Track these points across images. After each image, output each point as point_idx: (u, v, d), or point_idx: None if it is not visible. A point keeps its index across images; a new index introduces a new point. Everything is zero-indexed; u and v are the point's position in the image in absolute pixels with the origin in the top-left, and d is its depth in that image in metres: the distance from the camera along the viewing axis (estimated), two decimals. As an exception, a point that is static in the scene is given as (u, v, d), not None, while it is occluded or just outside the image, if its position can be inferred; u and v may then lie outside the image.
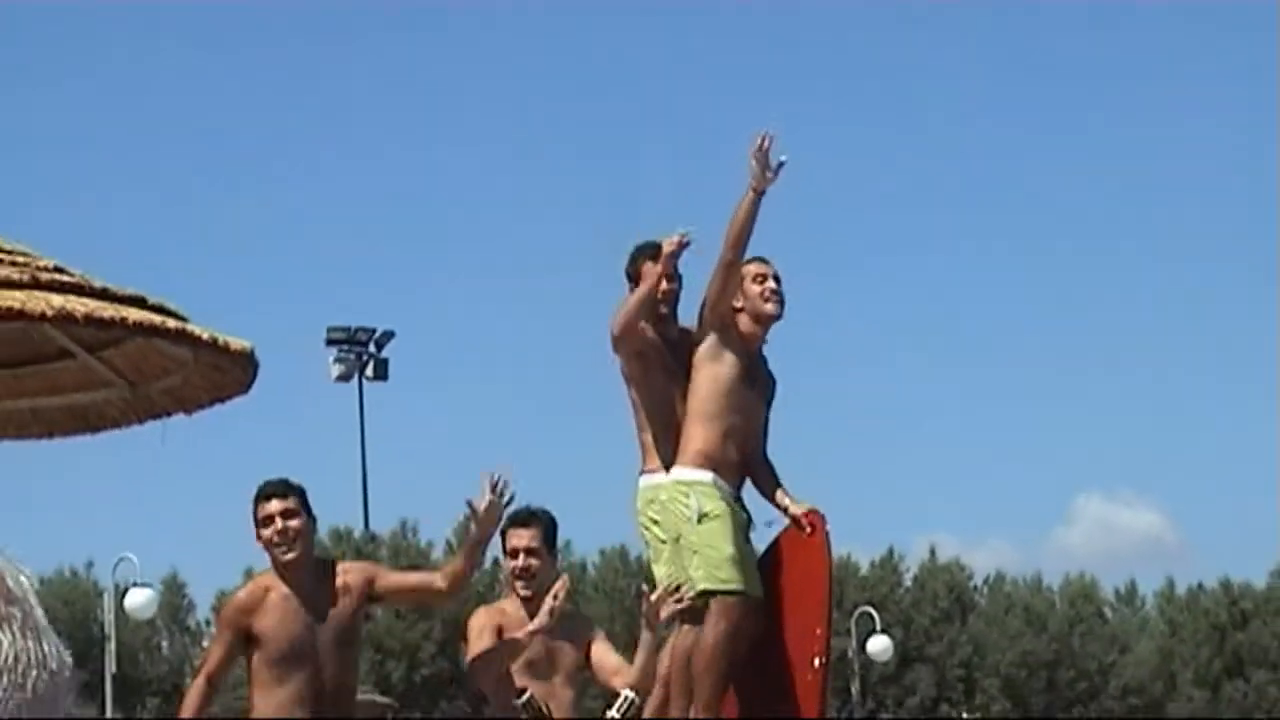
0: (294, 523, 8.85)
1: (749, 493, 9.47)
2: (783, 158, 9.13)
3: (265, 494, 8.95)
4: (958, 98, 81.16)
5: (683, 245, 9.28)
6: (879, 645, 48.58)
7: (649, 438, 9.39)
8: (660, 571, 9.33)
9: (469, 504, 8.81)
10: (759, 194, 9.13)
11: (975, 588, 67.33)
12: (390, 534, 57.08)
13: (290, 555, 8.83)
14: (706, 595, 9.03)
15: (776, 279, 9.48)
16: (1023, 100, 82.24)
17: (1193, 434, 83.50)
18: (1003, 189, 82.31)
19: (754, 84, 75.91)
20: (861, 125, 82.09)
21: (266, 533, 8.86)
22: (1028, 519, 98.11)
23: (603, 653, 9.41)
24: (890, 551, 65.31)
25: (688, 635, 9.14)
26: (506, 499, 8.82)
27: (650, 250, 9.50)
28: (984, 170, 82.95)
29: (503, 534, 9.46)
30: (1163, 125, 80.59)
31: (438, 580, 9.18)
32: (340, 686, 8.93)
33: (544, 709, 8.86)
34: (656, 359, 9.41)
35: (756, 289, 9.43)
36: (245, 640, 8.78)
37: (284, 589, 8.80)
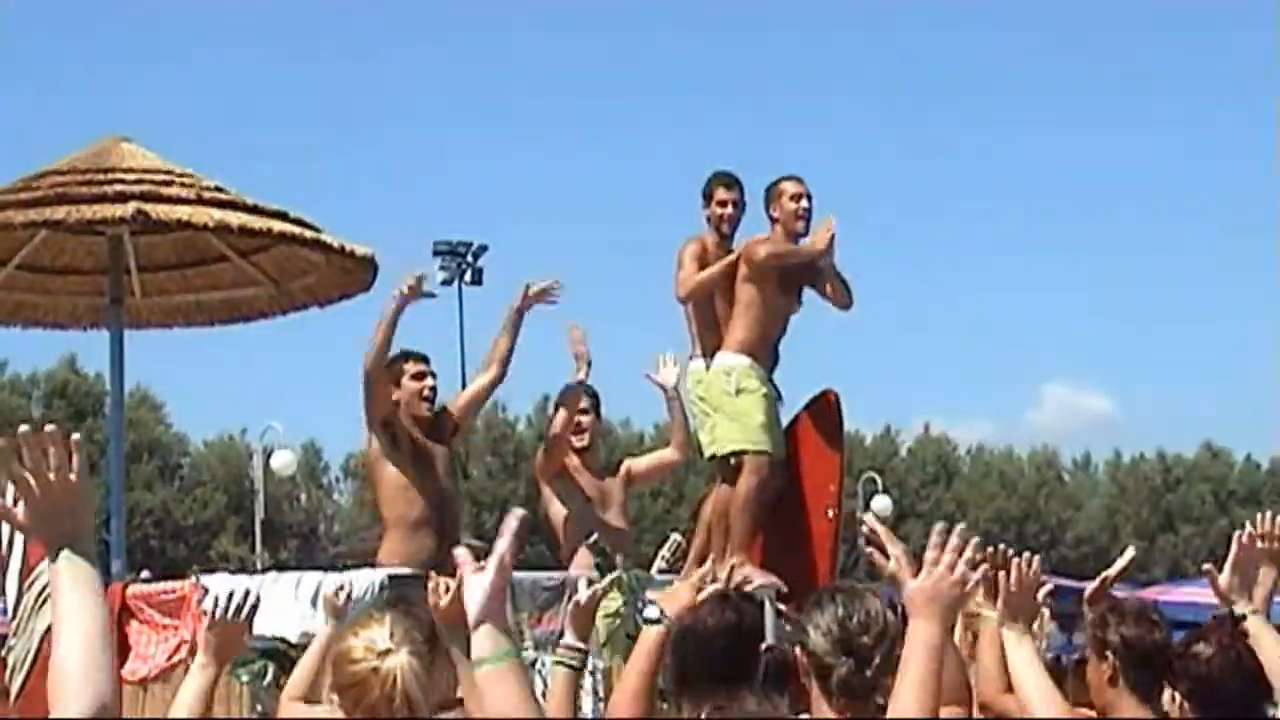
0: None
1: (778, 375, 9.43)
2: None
3: (423, 357, 9.01)
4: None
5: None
6: (880, 504, 48.54)
7: (696, 330, 9.32)
8: (704, 439, 9.29)
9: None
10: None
11: (959, 457, 67.48)
12: (483, 410, 57.25)
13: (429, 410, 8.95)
14: (740, 454, 8.99)
15: (809, 198, 9.35)
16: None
17: (1140, 333, 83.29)
18: (1003, 86, 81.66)
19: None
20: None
21: (418, 386, 8.88)
22: (1005, 402, 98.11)
23: (642, 462, 9.73)
24: (888, 428, 65.52)
25: (726, 490, 9.10)
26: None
27: (723, 177, 9.40)
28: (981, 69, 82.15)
29: (564, 401, 9.45)
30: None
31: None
32: None
33: (607, 548, 8.86)
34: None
35: (792, 207, 9.26)
36: None
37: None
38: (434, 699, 4.28)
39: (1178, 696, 4.79)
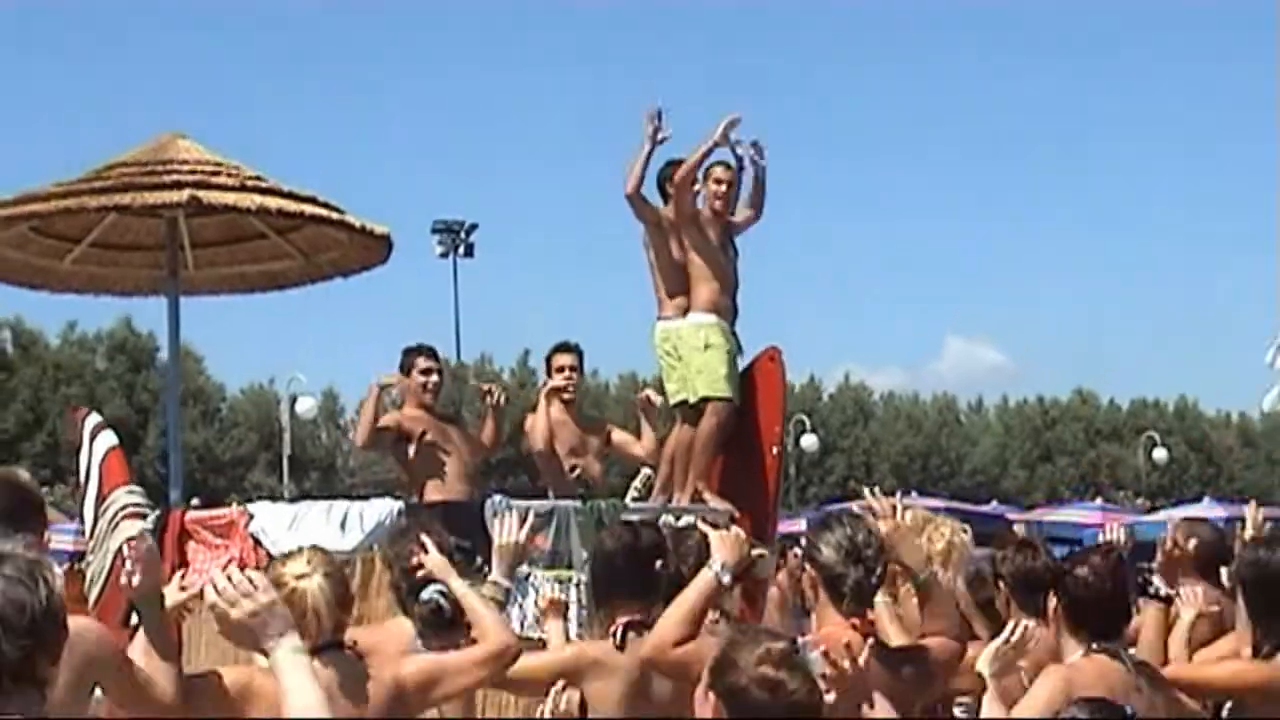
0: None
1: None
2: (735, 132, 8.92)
3: (432, 354, 9.18)
4: None
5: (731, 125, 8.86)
6: (808, 441, 48.84)
7: (663, 293, 9.21)
8: (670, 387, 9.26)
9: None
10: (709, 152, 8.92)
11: (874, 402, 67.73)
12: (474, 362, 57.13)
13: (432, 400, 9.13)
14: (706, 400, 8.98)
15: (729, 185, 9.08)
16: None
17: (1029, 293, 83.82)
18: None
19: None
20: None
21: (424, 380, 9.04)
22: (912, 354, 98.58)
23: (622, 437, 9.47)
24: (813, 376, 65.75)
25: (686, 430, 9.10)
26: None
27: (673, 164, 9.18)
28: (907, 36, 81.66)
29: (548, 360, 9.43)
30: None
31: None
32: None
33: (589, 481, 8.90)
34: (669, 231, 9.03)
35: (712, 189, 9.05)
36: None
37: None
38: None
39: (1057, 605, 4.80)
